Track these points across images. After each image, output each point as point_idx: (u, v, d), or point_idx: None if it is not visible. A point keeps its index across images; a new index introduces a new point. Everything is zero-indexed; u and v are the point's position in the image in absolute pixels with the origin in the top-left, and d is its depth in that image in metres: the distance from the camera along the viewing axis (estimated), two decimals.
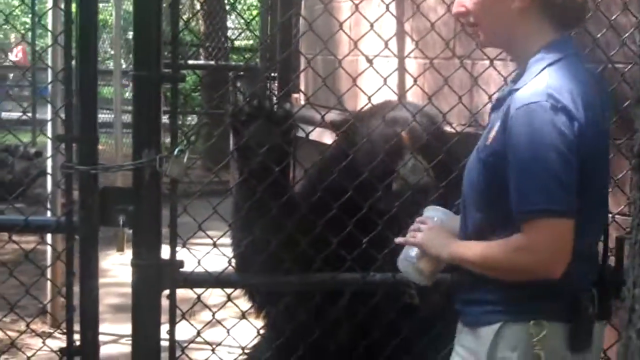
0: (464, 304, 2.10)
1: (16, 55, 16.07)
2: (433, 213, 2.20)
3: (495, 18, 2.04)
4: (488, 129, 2.05)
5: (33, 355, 2.92)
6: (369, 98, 2.71)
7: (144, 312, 2.46)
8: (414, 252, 2.15)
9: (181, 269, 2.47)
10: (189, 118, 11.77)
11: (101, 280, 2.52)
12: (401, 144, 2.65)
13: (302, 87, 5.69)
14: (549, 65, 1.97)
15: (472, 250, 2.02)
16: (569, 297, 1.98)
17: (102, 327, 2.58)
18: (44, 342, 2.88)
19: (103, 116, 9.41)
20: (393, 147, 2.63)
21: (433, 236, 2.12)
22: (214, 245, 2.52)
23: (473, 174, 2.05)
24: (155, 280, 2.44)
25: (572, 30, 2.15)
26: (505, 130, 1.94)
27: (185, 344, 2.61)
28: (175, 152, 2.39)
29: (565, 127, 1.88)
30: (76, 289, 2.50)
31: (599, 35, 2.78)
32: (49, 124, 5.40)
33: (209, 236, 2.53)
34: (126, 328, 2.52)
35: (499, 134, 1.96)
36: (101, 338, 2.53)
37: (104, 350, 2.57)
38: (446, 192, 2.51)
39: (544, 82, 1.93)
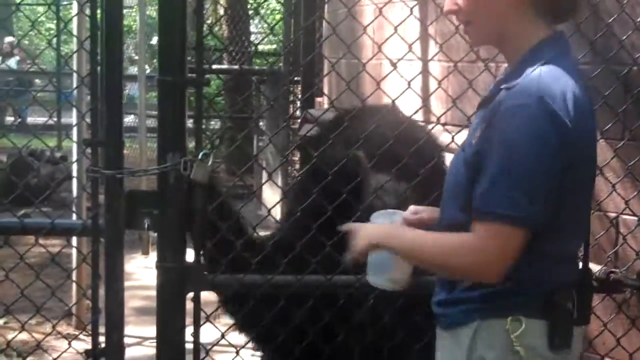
0: (440, 306, 2.06)
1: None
2: (382, 220, 2.19)
3: (488, 15, 2.01)
4: (474, 127, 2.01)
5: (58, 357, 2.93)
6: (393, 101, 2.71)
7: (169, 314, 2.47)
8: (385, 262, 2.11)
9: (205, 272, 2.48)
10: (213, 122, 11.84)
11: (126, 283, 2.54)
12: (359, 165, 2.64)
13: (326, 91, 5.70)
14: (541, 64, 1.93)
15: (412, 237, 2.04)
16: (546, 294, 1.95)
17: (127, 330, 2.59)
18: (69, 344, 2.89)
19: (128, 120, 9.49)
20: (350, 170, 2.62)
21: (370, 229, 2.12)
22: (238, 249, 2.53)
23: (456, 172, 2.03)
24: (179, 283, 2.45)
25: (564, 23, 2.11)
26: (489, 129, 1.91)
27: (210, 347, 2.62)
28: (200, 155, 2.41)
29: (551, 133, 1.85)
30: (101, 291, 2.52)
31: (624, 38, 2.77)
32: (75, 129, 5.46)
33: (232, 240, 2.54)
34: (151, 330, 2.54)
35: (483, 134, 1.93)
36: (126, 340, 2.54)
37: (128, 353, 2.58)
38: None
39: (534, 84, 1.89)
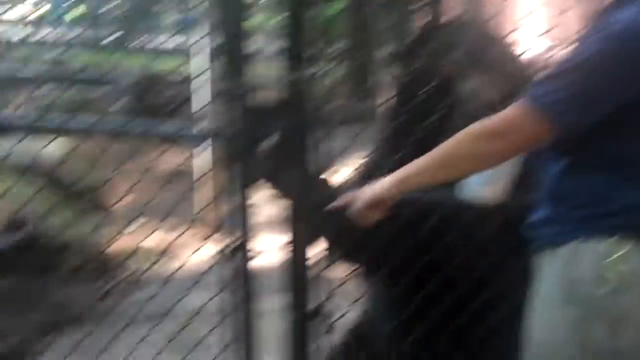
0: (536, 227, 2.03)
1: None
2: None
3: None
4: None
5: (186, 262, 3.08)
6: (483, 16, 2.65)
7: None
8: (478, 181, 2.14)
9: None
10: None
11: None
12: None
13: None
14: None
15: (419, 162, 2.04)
16: None
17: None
18: (197, 250, 3.04)
19: None
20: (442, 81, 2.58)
21: (372, 188, 2.13)
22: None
23: None
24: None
25: None
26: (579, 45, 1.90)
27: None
28: (320, 72, 2.46)
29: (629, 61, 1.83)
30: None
31: None
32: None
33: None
34: (280, 239, 2.66)
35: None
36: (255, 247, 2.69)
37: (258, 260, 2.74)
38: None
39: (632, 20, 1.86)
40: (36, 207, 5.21)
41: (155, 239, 3.89)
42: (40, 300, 4.84)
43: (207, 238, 3.75)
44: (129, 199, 5.69)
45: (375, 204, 2.16)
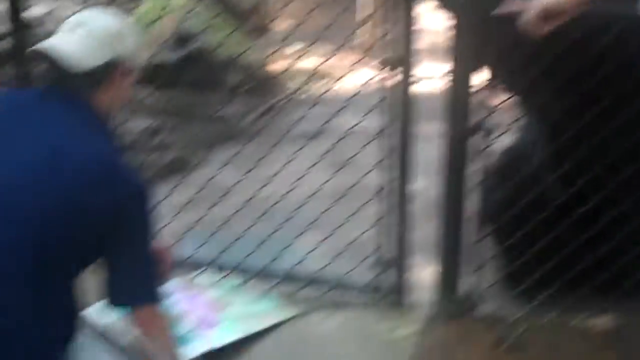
0: None
1: None
2: None
3: None
4: None
5: (345, 85, 3.09)
6: None
7: None
8: None
9: None
10: None
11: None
12: None
13: None
14: None
15: None
16: None
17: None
18: (355, 72, 3.07)
19: None
20: None
21: None
22: None
23: None
24: None
25: None
26: None
27: None
28: None
29: None
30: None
31: None
32: None
33: None
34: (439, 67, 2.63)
35: None
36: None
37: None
38: None
39: None
40: (203, 24, 5.35)
41: (316, 62, 3.94)
42: (203, 114, 5.04)
43: (367, 62, 3.74)
44: (291, 21, 5.76)
45: (549, 13, 1.98)
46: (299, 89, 5.35)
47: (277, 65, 5.92)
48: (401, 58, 2.70)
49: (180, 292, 2.89)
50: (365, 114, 2.86)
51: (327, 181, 3.02)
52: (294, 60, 4.00)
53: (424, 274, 3.07)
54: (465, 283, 2.85)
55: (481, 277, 2.83)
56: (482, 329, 2.77)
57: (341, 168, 3.02)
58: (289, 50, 6.13)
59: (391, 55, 2.70)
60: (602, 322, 2.75)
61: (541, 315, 2.75)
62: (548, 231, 2.69)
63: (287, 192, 3.13)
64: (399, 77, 2.72)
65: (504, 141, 2.95)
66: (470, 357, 2.64)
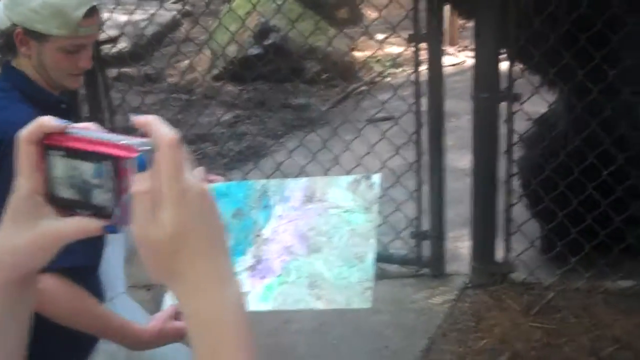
0: None
1: None
2: None
3: None
4: None
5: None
6: None
7: None
8: None
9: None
10: None
11: None
12: None
13: None
14: None
15: None
16: None
17: None
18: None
19: None
20: None
21: None
22: None
23: None
24: None
25: None
26: None
27: None
28: None
29: None
30: None
31: None
32: None
33: None
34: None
35: None
36: None
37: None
38: None
39: None
40: (284, 17, 5.51)
41: (389, 51, 4.02)
42: (280, 104, 5.23)
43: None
44: (371, 13, 5.83)
45: None
46: (378, 75, 5.43)
47: (355, 55, 6.03)
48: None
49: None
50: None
51: (386, 160, 3.05)
52: (377, 49, 4.11)
53: (463, 245, 3.14)
54: (501, 251, 2.90)
55: (515, 244, 2.88)
56: (514, 295, 2.82)
57: (400, 147, 3.08)
58: (376, 38, 6.23)
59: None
60: (632, 285, 2.75)
61: (572, 280, 2.78)
62: (578, 195, 2.72)
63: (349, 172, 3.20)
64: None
65: (536, 109, 2.99)
66: (502, 321, 2.70)
